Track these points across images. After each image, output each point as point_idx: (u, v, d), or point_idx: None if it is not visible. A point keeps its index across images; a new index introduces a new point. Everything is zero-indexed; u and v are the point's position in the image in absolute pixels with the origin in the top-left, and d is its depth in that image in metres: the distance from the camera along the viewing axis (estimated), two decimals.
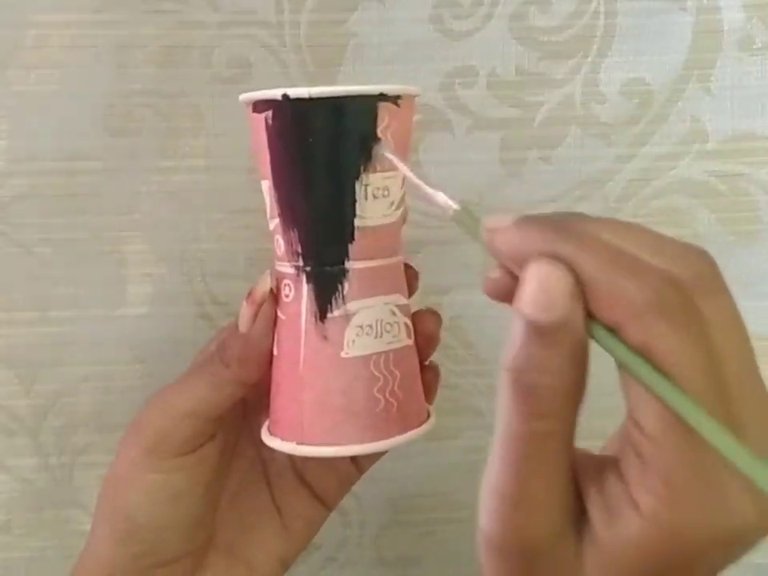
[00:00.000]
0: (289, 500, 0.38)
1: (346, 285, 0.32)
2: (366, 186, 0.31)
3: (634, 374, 0.22)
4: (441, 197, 0.29)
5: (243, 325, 0.33)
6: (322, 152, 0.31)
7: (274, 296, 0.33)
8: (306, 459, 0.36)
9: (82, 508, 0.46)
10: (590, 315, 0.23)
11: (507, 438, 0.23)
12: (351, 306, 0.32)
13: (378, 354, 0.32)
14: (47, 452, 0.45)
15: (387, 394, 0.33)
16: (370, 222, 0.32)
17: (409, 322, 0.34)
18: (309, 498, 0.38)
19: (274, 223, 0.33)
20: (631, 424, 0.23)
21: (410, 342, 0.34)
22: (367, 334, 0.32)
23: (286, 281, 0.33)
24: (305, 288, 0.32)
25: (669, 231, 0.44)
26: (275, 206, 0.32)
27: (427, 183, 0.29)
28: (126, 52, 0.41)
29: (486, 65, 0.42)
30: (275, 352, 0.34)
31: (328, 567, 0.48)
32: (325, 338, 0.32)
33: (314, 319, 0.32)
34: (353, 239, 0.32)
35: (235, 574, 0.37)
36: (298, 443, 0.32)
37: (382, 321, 0.33)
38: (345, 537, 0.47)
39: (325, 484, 0.38)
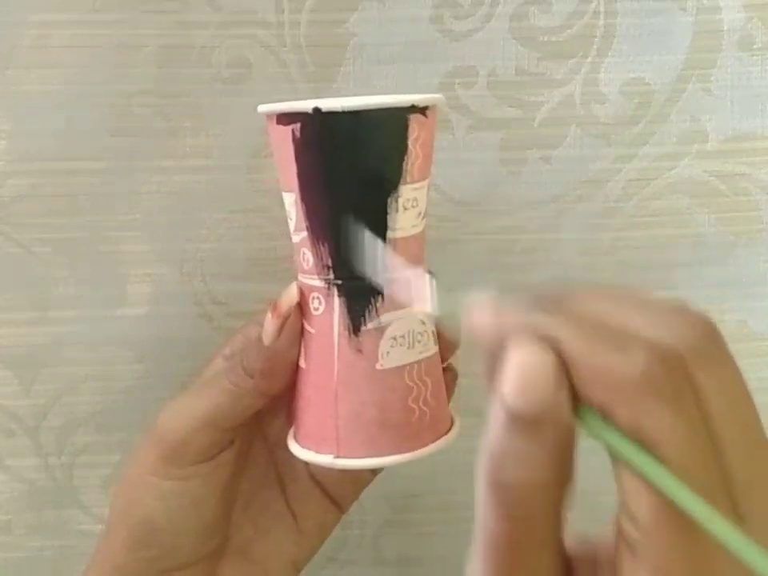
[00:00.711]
0: (303, 503, 0.38)
1: (379, 297, 0.32)
2: (398, 198, 0.31)
3: (625, 461, 0.20)
4: (422, 301, 0.27)
5: (268, 337, 0.33)
6: (354, 165, 0.31)
7: (300, 309, 0.33)
8: None
9: (81, 508, 0.46)
10: (576, 398, 0.21)
11: (483, 534, 0.22)
12: (384, 318, 0.32)
13: (411, 364, 0.32)
14: (47, 452, 0.45)
15: (421, 403, 0.33)
16: (400, 234, 0.32)
17: (434, 329, 0.34)
18: (322, 500, 0.38)
19: (301, 236, 0.32)
20: (623, 516, 0.21)
21: (436, 348, 0.34)
22: (400, 345, 0.32)
23: (315, 294, 0.33)
24: (336, 301, 0.32)
25: (669, 231, 0.44)
26: (302, 219, 0.32)
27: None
28: (125, 52, 0.41)
29: (485, 65, 0.42)
30: (303, 365, 0.33)
31: (328, 567, 0.48)
32: (359, 351, 0.32)
33: (347, 333, 0.32)
34: (390, 251, 0.32)
35: None
36: (335, 457, 0.32)
37: (413, 331, 0.33)
38: (345, 537, 0.47)
39: (339, 486, 0.38)
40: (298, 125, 0.31)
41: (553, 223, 0.44)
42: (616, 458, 0.21)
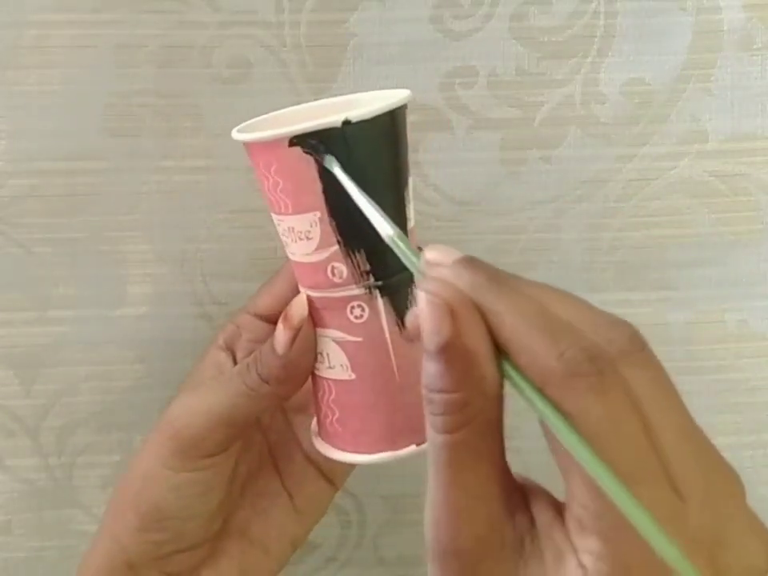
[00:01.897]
0: (298, 481, 0.39)
1: (413, 284, 0.32)
2: (409, 190, 0.32)
3: (556, 434, 0.22)
4: (377, 220, 0.28)
5: (281, 348, 0.33)
6: (385, 168, 0.31)
7: (312, 319, 0.33)
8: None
9: (82, 508, 0.46)
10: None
11: (428, 452, 0.24)
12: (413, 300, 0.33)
13: None
14: (47, 452, 0.45)
15: None
16: (411, 223, 0.33)
17: None
18: (317, 477, 0.39)
19: (328, 252, 0.32)
20: (567, 487, 0.23)
21: None
22: None
23: (355, 303, 0.32)
24: (380, 303, 0.32)
25: (669, 231, 0.44)
26: (330, 235, 0.32)
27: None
28: (125, 52, 0.41)
29: (485, 65, 0.42)
30: (350, 376, 0.33)
31: (328, 567, 0.48)
32: (411, 340, 0.32)
33: (397, 328, 0.32)
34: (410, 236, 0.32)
35: (250, 556, 0.38)
36: (417, 445, 0.33)
37: None
38: (344, 537, 0.47)
39: (332, 462, 0.38)
40: (322, 142, 0.30)
41: (553, 223, 0.44)
42: (545, 424, 0.23)
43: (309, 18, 0.41)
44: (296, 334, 0.33)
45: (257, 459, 0.39)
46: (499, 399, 0.24)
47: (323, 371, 0.34)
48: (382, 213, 0.28)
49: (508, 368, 0.23)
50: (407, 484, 0.47)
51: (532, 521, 0.24)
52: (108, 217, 0.42)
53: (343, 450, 0.34)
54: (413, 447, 0.33)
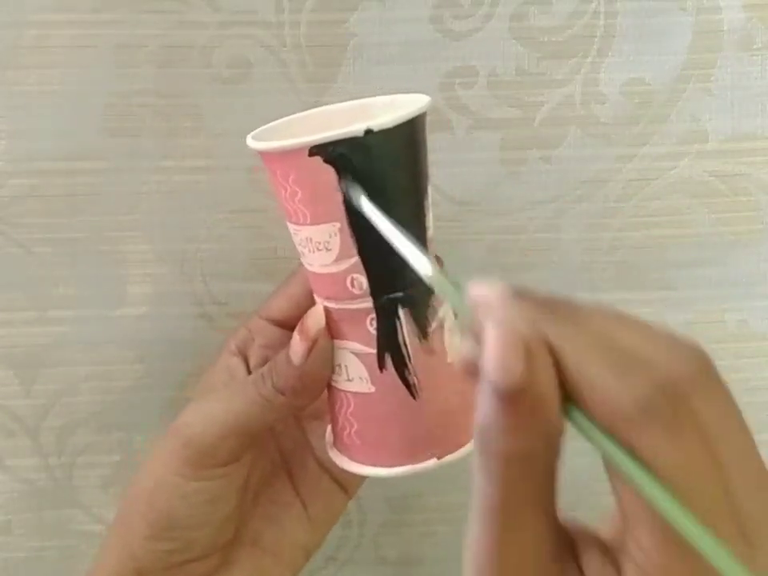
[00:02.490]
0: (311, 489, 0.38)
1: (432, 296, 0.32)
2: (428, 197, 0.32)
3: (623, 474, 0.21)
4: (414, 256, 0.27)
5: (297, 359, 0.33)
6: (405, 177, 0.31)
7: (330, 331, 0.33)
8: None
9: (81, 508, 0.46)
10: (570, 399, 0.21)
11: (476, 499, 0.23)
12: (440, 312, 0.32)
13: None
14: (47, 452, 0.45)
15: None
16: (431, 232, 0.33)
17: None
18: (330, 485, 0.38)
19: (348, 263, 0.31)
20: (626, 529, 0.22)
21: None
22: (452, 333, 0.33)
23: (374, 315, 0.32)
24: (401, 314, 0.32)
25: (669, 231, 0.44)
26: (350, 246, 0.31)
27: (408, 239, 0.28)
28: (125, 52, 0.41)
29: (485, 65, 0.42)
30: (369, 389, 0.33)
31: (328, 567, 0.48)
32: (431, 352, 0.32)
33: (417, 340, 0.32)
34: (428, 250, 0.32)
35: (261, 565, 0.37)
36: (438, 458, 0.33)
37: (452, 318, 0.33)
38: (345, 537, 0.47)
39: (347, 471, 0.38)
40: (344, 151, 0.30)
41: (553, 223, 0.44)
42: (610, 466, 0.21)
43: (309, 18, 0.41)
44: (312, 345, 0.32)
45: (269, 467, 0.39)
46: (560, 446, 0.22)
47: (341, 383, 0.33)
48: (418, 246, 0.27)
49: (576, 413, 0.21)
50: (408, 484, 0.47)
51: (580, 571, 0.23)
52: (108, 217, 0.42)
53: (361, 462, 0.34)
54: (433, 461, 0.33)
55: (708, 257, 0.44)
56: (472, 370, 0.22)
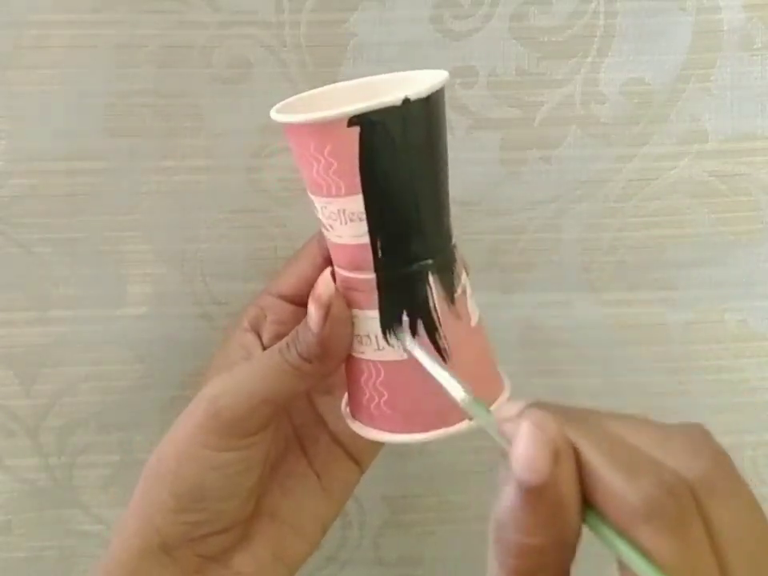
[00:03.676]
0: (325, 462, 0.39)
1: (456, 260, 0.34)
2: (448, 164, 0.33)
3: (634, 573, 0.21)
4: (450, 384, 0.29)
5: (314, 325, 0.33)
6: (437, 148, 0.32)
7: (357, 302, 0.33)
8: (339, 420, 0.38)
9: (82, 508, 0.46)
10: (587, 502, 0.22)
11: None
12: (462, 278, 0.34)
13: (480, 316, 0.34)
14: (47, 452, 0.45)
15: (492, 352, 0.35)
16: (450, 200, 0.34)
17: None
18: (344, 458, 0.39)
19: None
20: None
21: None
22: (471, 299, 0.34)
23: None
24: (431, 280, 0.33)
25: (669, 231, 0.44)
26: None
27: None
28: (125, 52, 0.41)
29: (485, 65, 0.42)
30: (401, 356, 0.33)
31: (328, 567, 0.48)
32: (458, 316, 0.33)
33: (446, 305, 0.33)
34: (449, 215, 0.33)
35: (282, 538, 0.38)
36: (470, 419, 0.33)
37: (469, 283, 0.34)
38: (345, 537, 0.47)
39: (358, 443, 0.38)
40: (384, 119, 0.30)
41: (553, 223, 0.44)
42: (623, 566, 0.22)
43: (309, 18, 0.41)
44: (327, 311, 0.33)
45: (283, 441, 0.39)
46: (576, 545, 0.23)
47: (370, 353, 0.34)
48: (454, 376, 0.29)
49: (592, 517, 0.22)
50: (407, 485, 0.47)
51: None
52: (108, 217, 0.42)
53: (392, 431, 0.34)
54: (465, 422, 0.33)
55: (708, 257, 0.44)
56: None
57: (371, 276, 0.33)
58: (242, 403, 0.34)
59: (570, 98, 0.42)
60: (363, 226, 0.32)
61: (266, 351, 0.35)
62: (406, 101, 0.30)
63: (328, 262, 0.36)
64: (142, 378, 0.44)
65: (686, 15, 0.42)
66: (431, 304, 0.33)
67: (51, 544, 0.46)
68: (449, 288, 0.33)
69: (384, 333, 0.33)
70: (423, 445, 0.46)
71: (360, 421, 0.35)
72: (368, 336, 0.33)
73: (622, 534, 0.21)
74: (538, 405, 0.24)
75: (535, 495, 0.22)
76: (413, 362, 0.33)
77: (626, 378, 0.45)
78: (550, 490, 0.22)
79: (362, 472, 0.39)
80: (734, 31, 0.42)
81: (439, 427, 0.33)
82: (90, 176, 0.42)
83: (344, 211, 0.32)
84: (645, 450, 0.22)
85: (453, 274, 0.33)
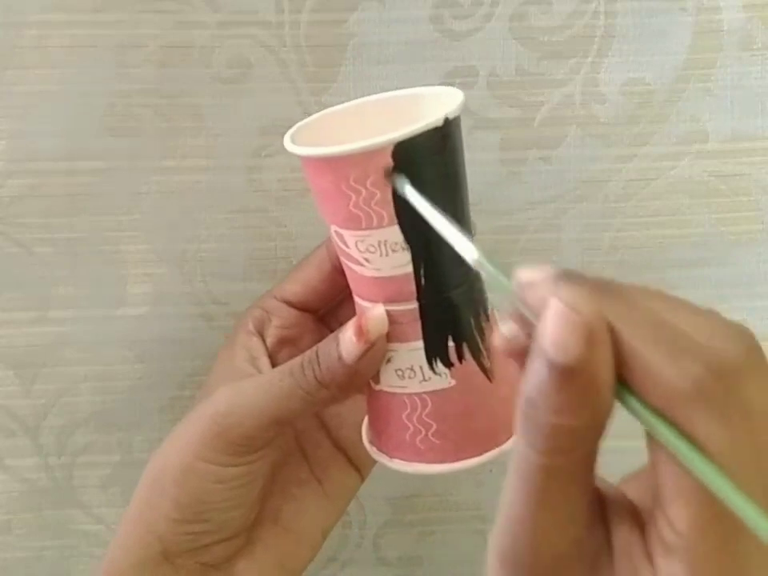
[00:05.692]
0: (326, 468, 0.39)
1: (483, 277, 0.33)
2: None
3: (671, 452, 0.21)
4: (460, 242, 0.27)
5: (350, 358, 0.32)
6: (464, 160, 0.32)
7: (396, 335, 0.33)
8: (341, 427, 0.38)
9: (82, 508, 0.46)
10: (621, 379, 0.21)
11: (516, 465, 0.23)
12: (485, 290, 0.33)
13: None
14: (47, 452, 0.45)
15: None
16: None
17: None
18: (345, 465, 0.39)
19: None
20: (660, 515, 0.22)
21: None
22: (495, 314, 0.34)
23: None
24: (472, 302, 0.32)
25: (669, 231, 0.44)
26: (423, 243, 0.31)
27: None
28: (125, 52, 0.41)
29: (485, 65, 0.42)
30: (450, 383, 0.32)
31: (328, 567, 0.48)
32: (493, 332, 0.33)
33: (485, 325, 0.33)
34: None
35: (284, 544, 0.38)
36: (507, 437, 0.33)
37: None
38: (345, 537, 0.47)
39: (360, 449, 0.38)
40: (427, 143, 0.30)
41: (553, 223, 0.44)
42: (653, 442, 0.21)
43: (309, 18, 0.41)
44: (371, 347, 0.32)
45: (285, 448, 0.39)
46: (607, 425, 0.22)
47: (414, 387, 0.33)
48: (465, 233, 0.27)
49: (629, 397, 0.21)
50: (407, 484, 0.47)
51: (608, 533, 0.23)
52: (108, 217, 0.42)
53: (443, 461, 0.33)
54: (513, 438, 0.33)
55: (708, 257, 0.44)
56: (515, 351, 0.23)
57: (413, 306, 0.32)
58: (250, 424, 0.34)
59: (570, 98, 0.42)
60: (406, 255, 0.31)
61: (276, 370, 0.35)
62: (446, 120, 0.30)
63: (337, 270, 0.35)
64: (142, 378, 0.44)
65: (686, 15, 0.42)
66: (473, 325, 0.32)
67: (51, 544, 0.46)
68: (485, 307, 0.33)
69: (430, 362, 0.32)
70: None
71: (402, 458, 0.34)
72: (411, 369, 0.33)
73: (662, 416, 0.21)
74: (569, 276, 0.22)
75: (567, 376, 0.21)
76: (460, 386, 0.32)
77: None
78: (583, 373, 0.21)
79: (362, 479, 0.39)
80: (734, 31, 0.42)
81: (491, 449, 0.33)
82: (90, 176, 0.42)
83: (386, 242, 0.31)
84: (684, 329, 0.21)
85: (484, 293, 0.33)
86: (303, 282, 0.38)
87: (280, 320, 0.38)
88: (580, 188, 0.43)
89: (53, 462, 0.45)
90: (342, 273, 0.34)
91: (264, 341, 0.38)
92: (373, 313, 0.32)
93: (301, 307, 0.38)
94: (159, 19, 0.40)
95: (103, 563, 0.36)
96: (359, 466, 0.39)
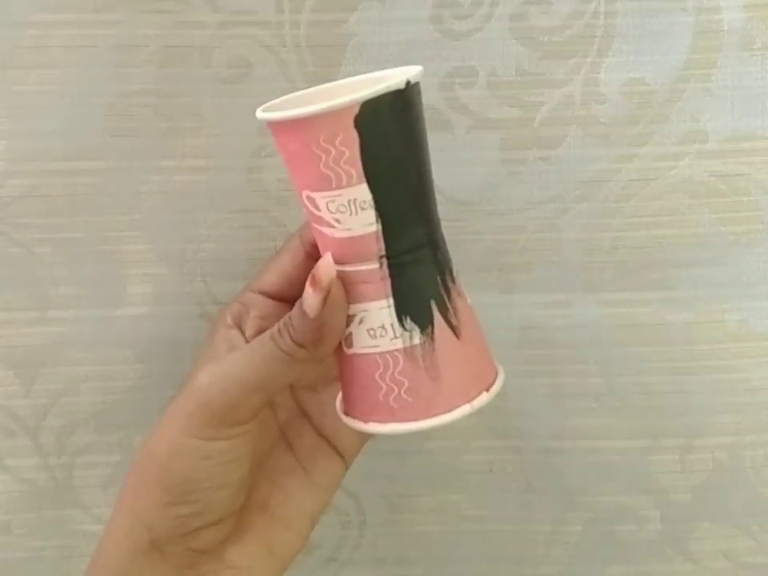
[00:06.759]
0: (311, 456, 0.39)
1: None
2: None
3: None
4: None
5: (312, 310, 0.33)
6: (424, 124, 0.33)
7: (364, 294, 0.33)
8: (323, 415, 0.39)
9: (82, 508, 0.46)
10: None
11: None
12: (450, 255, 0.34)
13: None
14: (47, 452, 0.45)
15: None
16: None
17: None
18: (329, 452, 0.39)
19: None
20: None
21: None
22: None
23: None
24: (437, 260, 0.33)
25: (669, 231, 0.44)
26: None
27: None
28: (125, 52, 0.41)
29: (485, 65, 0.42)
30: (420, 340, 0.33)
31: (328, 567, 0.48)
32: (459, 294, 0.34)
33: (451, 284, 0.34)
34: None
35: (273, 531, 0.38)
36: (487, 390, 0.34)
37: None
38: (344, 537, 0.47)
39: (343, 436, 0.39)
40: (392, 103, 0.31)
41: (553, 223, 0.44)
42: None
43: (309, 18, 0.41)
44: (327, 295, 0.33)
45: (269, 437, 0.39)
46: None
47: (385, 344, 0.33)
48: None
49: None
50: (407, 484, 0.47)
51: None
52: (108, 217, 0.42)
53: (416, 419, 0.34)
54: (484, 395, 0.34)
55: (708, 257, 0.44)
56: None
57: (383, 264, 0.33)
58: (234, 391, 0.34)
59: (570, 98, 0.42)
60: (373, 213, 0.32)
61: (256, 338, 0.35)
62: (408, 83, 0.31)
63: (310, 257, 0.36)
64: (142, 378, 0.44)
65: (687, 15, 0.42)
66: (440, 284, 0.33)
67: (51, 544, 0.46)
68: (450, 267, 0.34)
69: (400, 319, 0.33)
70: (423, 444, 0.46)
71: (377, 420, 0.35)
72: (382, 327, 0.33)
73: None
74: None
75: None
76: (429, 342, 0.33)
77: (625, 378, 0.45)
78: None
79: (347, 465, 0.40)
80: (734, 31, 0.42)
81: (462, 404, 0.33)
82: (90, 176, 0.42)
83: (355, 201, 0.32)
84: None
85: (448, 253, 0.34)
86: (278, 271, 0.38)
87: (258, 311, 0.38)
88: (580, 188, 0.43)
89: (53, 462, 0.45)
90: (317, 260, 0.34)
91: (243, 333, 0.38)
92: (321, 261, 0.33)
93: (278, 297, 0.38)
94: (159, 19, 0.40)
95: (92, 554, 0.36)
96: (342, 452, 0.39)
